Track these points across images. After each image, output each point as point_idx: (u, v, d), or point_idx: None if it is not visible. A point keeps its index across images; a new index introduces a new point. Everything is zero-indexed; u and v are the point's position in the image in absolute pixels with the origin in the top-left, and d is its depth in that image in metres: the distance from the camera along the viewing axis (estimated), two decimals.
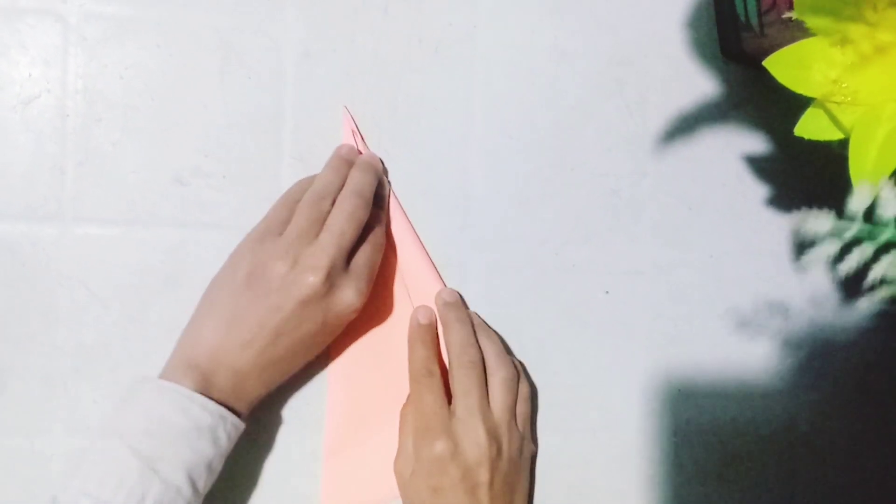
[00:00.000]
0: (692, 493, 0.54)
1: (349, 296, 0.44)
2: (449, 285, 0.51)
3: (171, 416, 0.41)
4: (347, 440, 0.50)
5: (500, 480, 0.46)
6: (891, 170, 0.33)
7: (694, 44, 0.53)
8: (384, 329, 0.51)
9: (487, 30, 0.52)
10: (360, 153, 0.50)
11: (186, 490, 0.41)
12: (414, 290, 0.51)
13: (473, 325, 0.49)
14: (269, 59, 0.49)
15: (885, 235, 0.29)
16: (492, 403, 0.47)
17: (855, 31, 0.34)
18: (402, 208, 0.51)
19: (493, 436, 0.46)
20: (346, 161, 0.48)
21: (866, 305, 0.31)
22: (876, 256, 0.31)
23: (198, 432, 0.42)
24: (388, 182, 0.51)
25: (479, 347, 0.49)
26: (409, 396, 0.49)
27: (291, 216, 0.46)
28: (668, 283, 0.53)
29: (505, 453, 0.46)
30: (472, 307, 0.52)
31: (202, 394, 0.42)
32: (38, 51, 0.48)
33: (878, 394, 0.55)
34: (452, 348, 0.48)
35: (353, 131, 0.50)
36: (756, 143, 0.53)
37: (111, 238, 0.49)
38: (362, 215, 0.46)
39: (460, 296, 0.51)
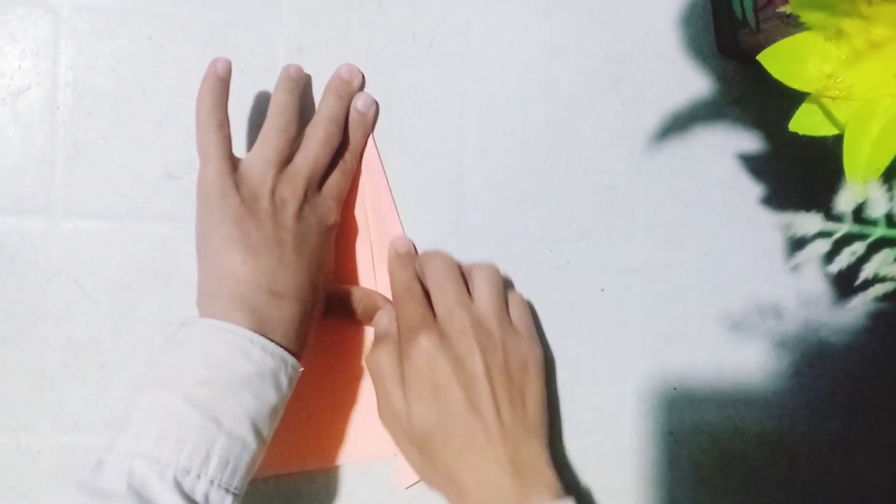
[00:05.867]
0: (687, 492, 0.53)
1: (322, 214, 0.46)
2: None
3: (232, 361, 0.38)
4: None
5: (500, 373, 0.43)
6: (885, 165, 0.33)
7: (690, 40, 0.53)
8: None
9: (482, 25, 0.51)
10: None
11: (252, 441, 0.38)
12: (378, 248, 0.51)
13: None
14: (262, 54, 0.49)
15: (876, 233, 0.29)
16: (475, 298, 0.45)
17: (850, 25, 0.33)
18: (395, 206, 0.51)
19: (478, 324, 0.43)
20: (296, 81, 0.47)
21: (860, 303, 0.31)
22: (867, 254, 0.30)
23: (260, 378, 0.39)
24: (377, 107, 0.50)
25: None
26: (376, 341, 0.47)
27: (221, 141, 0.43)
28: (664, 282, 0.53)
29: (498, 340, 0.44)
30: None
31: (259, 333, 0.40)
32: (28, 42, 0.47)
33: (875, 394, 0.55)
34: (422, 258, 0.47)
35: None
36: (752, 140, 0.53)
37: (101, 232, 0.48)
38: (336, 141, 0.47)
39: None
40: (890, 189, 0.29)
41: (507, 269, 0.51)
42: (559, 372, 0.52)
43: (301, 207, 0.44)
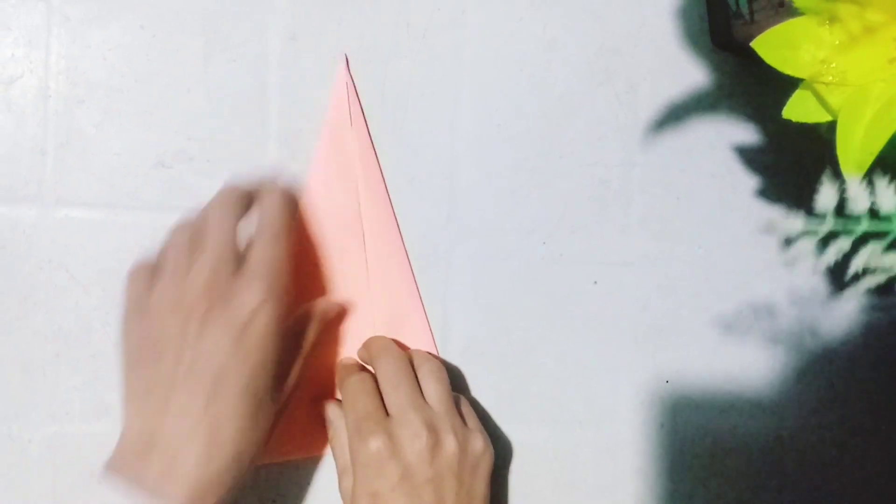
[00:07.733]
0: (679, 485, 0.53)
1: (246, 297, 0.39)
2: (434, 276, 0.51)
3: None
4: None
5: (451, 477, 0.42)
6: (878, 150, 0.33)
7: (684, 33, 0.52)
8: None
9: (476, 16, 0.51)
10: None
11: None
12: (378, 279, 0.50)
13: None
14: (255, 42, 0.49)
15: (859, 229, 0.29)
16: (426, 396, 0.44)
17: (843, 9, 0.33)
18: (388, 196, 0.50)
19: (431, 428, 0.42)
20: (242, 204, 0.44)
21: (853, 295, 0.31)
22: (854, 249, 0.30)
23: None
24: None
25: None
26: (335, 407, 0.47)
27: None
28: (657, 275, 0.53)
29: (450, 447, 0.42)
30: (458, 299, 0.51)
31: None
32: (20, 31, 0.47)
33: (870, 386, 0.55)
34: (372, 350, 0.47)
35: (346, 84, 0.49)
36: (746, 133, 0.53)
37: (92, 221, 0.48)
38: (235, 212, 0.42)
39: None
40: (869, 184, 0.28)
41: (499, 263, 0.51)
42: (551, 365, 0.52)
43: (198, 314, 0.39)
